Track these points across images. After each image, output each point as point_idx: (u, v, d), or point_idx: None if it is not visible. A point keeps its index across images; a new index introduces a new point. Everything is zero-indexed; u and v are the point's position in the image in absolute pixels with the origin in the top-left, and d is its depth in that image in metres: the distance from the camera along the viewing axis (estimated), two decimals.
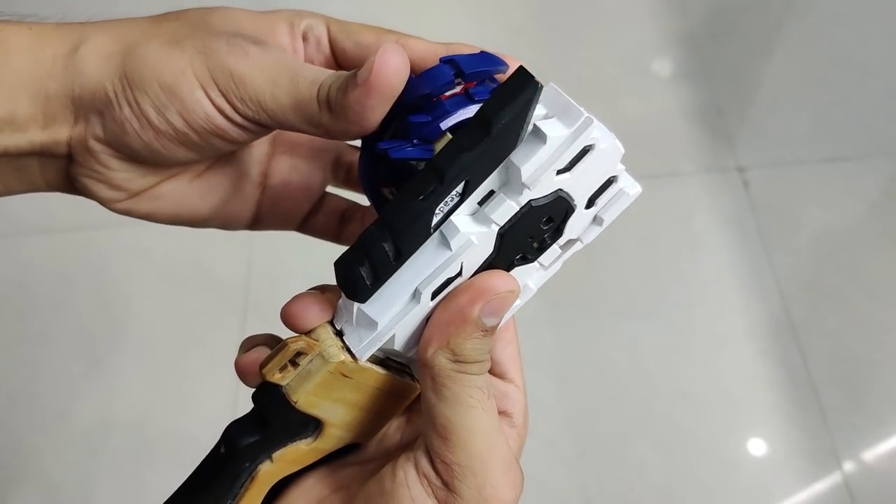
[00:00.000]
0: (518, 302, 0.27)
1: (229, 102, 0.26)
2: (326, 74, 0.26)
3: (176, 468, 1.23)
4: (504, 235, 0.24)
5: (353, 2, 1.62)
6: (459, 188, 0.23)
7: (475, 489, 0.23)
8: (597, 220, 0.28)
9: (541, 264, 0.27)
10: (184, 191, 0.32)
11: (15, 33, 0.26)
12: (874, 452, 1.02)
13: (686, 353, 1.11)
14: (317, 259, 1.33)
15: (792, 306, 1.13)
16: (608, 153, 0.25)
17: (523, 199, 0.24)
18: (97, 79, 0.26)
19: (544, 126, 0.23)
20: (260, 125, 0.27)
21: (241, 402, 1.12)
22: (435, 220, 0.23)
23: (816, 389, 1.07)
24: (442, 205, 0.23)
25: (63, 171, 0.29)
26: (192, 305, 1.22)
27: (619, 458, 1.04)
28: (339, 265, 0.24)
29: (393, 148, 0.26)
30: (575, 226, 0.27)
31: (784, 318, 1.13)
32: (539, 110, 0.23)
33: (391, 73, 0.24)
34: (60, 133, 0.27)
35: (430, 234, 0.23)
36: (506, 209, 0.24)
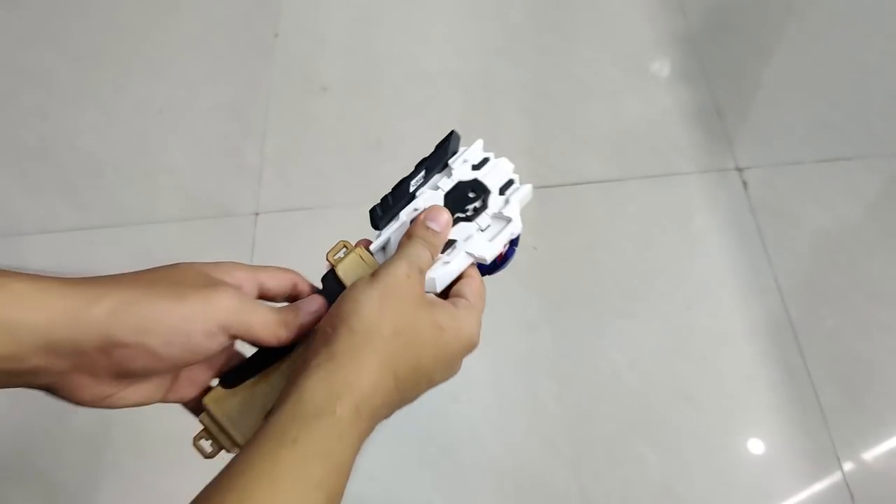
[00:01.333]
0: (513, 230, 0.47)
1: (226, 333, 0.38)
2: (276, 312, 0.42)
3: (177, 468, 1.24)
4: (447, 196, 0.48)
5: (354, 3, 1.62)
6: (422, 174, 0.49)
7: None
8: (507, 201, 0.48)
9: (479, 225, 0.47)
10: (139, 392, 0.40)
11: (27, 288, 0.33)
12: (874, 452, 1.02)
13: (686, 353, 1.11)
14: (316, 259, 1.33)
15: (791, 306, 1.14)
16: (502, 165, 0.49)
17: (454, 179, 0.49)
18: (107, 328, 0.34)
19: (461, 152, 0.50)
20: (231, 341, 0.41)
21: None
22: (412, 188, 0.49)
23: (816, 389, 1.07)
24: (415, 180, 0.49)
25: (45, 385, 0.37)
26: None
27: (618, 458, 1.04)
28: (371, 211, 0.49)
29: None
30: (495, 203, 0.48)
31: (783, 318, 1.13)
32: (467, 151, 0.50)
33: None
34: (59, 364, 0.34)
35: (411, 196, 0.49)
36: (445, 183, 0.49)
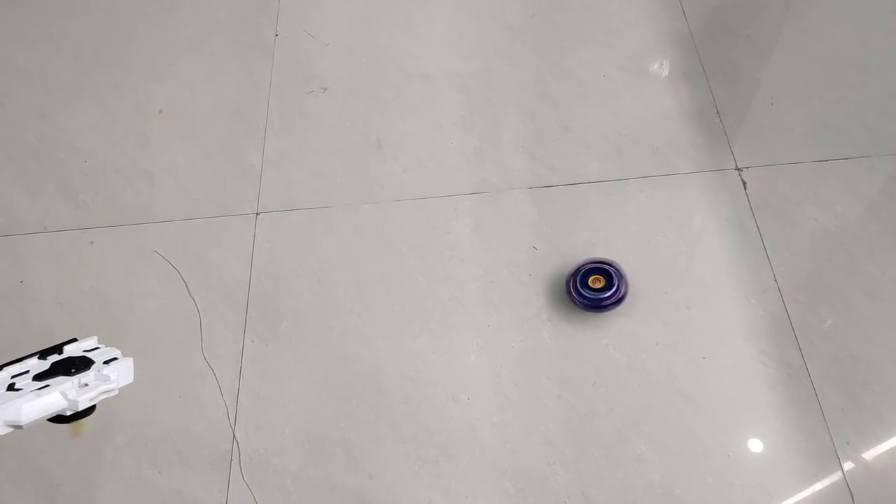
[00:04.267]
0: (109, 387, 0.58)
1: None
2: None
3: (177, 466, 1.23)
4: (55, 363, 0.58)
5: (354, 4, 1.62)
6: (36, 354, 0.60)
7: None
8: (109, 367, 0.59)
9: (80, 381, 0.56)
10: None
11: None
12: (874, 452, 1.03)
13: (686, 353, 1.11)
14: (317, 258, 1.34)
15: (791, 306, 1.14)
16: (104, 351, 0.62)
17: (65, 355, 0.60)
18: None
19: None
20: None
21: (243, 400, 1.13)
22: (22, 356, 0.59)
23: (816, 389, 1.07)
24: (27, 357, 0.59)
25: None
26: (192, 304, 1.22)
27: (618, 458, 1.04)
28: None
29: None
30: (98, 368, 0.59)
31: (783, 318, 1.13)
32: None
33: None
34: None
35: (18, 360, 0.58)
36: (55, 357, 0.59)
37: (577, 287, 1.12)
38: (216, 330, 1.20)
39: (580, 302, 1.12)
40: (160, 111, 1.46)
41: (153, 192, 1.36)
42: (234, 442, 1.10)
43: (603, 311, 1.13)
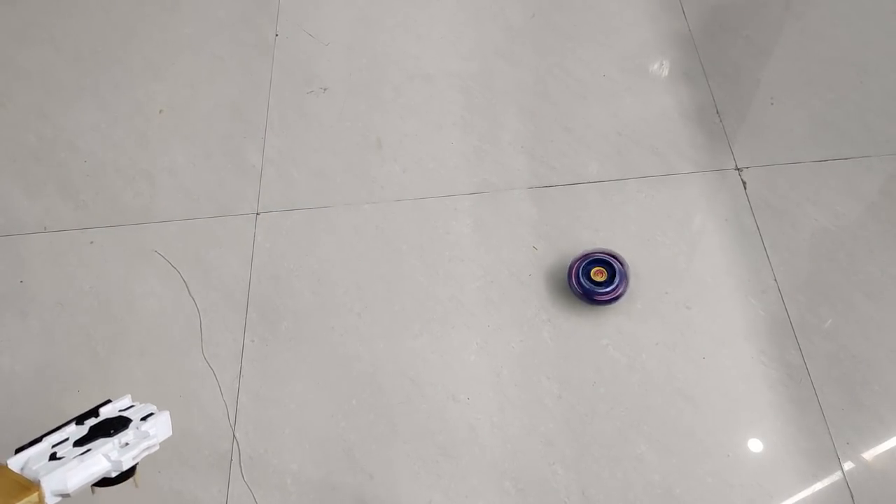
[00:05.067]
0: (150, 444, 0.60)
1: None
2: None
3: (177, 466, 1.23)
4: (92, 427, 0.59)
5: (354, 4, 1.62)
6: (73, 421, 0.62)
7: None
8: (147, 423, 0.60)
9: (120, 441, 0.57)
10: None
11: None
12: (874, 452, 1.03)
13: (686, 353, 1.11)
14: (317, 258, 1.34)
15: (791, 306, 1.14)
16: (140, 408, 0.62)
17: (102, 417, 0.61)
18: None
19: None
20: None
21: (243, 400, 1.13)
22: (61, 424, 0.60)
23: (816, 389, 1.07)
24: (66, 425, 0.60)
25: None
26: (192, 304, 1.22)
27: (618, 458, 1.04)
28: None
29: None
30: (136, 426, 0.59)
31: (783, 318, 1.13)
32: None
33: None
34: None
35: (57, 429, 0.60)
36: (93, 421, 0.62)
37: (578, 275, 1.13)
38: (216, 330, 1.20)
39: (577, 291, 1.13)
40: (160, 111, 1.46)
41: (153, 192, 1.36)
42: (234, 442, 1.10)
43: (597, 305, 1.14)
